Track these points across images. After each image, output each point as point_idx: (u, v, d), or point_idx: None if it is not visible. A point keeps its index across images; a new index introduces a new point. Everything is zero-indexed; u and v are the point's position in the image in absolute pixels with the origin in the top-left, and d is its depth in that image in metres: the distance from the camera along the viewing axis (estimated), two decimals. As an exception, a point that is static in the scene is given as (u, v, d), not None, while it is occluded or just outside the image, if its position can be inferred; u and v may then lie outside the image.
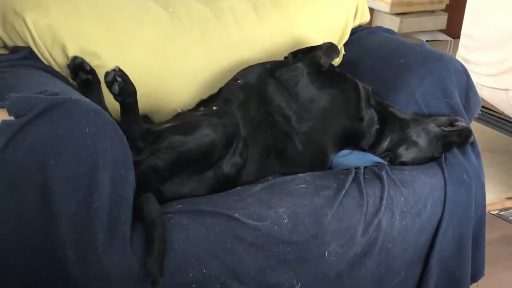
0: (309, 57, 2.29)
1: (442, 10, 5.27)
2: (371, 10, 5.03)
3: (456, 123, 2.24)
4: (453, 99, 2.30)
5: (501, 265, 2.84)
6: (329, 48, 2.34)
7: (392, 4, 4.97)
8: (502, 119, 3.61)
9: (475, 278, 2.30)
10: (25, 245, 1.63)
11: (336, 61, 2.51)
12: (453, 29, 4.92)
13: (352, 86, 2.25)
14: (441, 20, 5.25)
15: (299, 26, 2.49)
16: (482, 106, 3.17)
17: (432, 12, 5.23)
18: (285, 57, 2.40)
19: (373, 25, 5.07)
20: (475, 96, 2.38)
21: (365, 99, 2.24)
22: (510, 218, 3.22)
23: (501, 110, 3.54)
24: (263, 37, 2.42)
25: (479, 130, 3.58)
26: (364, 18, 2.70)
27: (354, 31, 2.66)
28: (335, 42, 2.47)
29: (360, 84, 2.27)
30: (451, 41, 5.06)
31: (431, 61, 2.34)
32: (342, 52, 2.58)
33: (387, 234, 2.04)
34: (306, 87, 2.21)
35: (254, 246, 1.83)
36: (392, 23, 5.04)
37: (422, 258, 2.17)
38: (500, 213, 3.25)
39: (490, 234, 2.75)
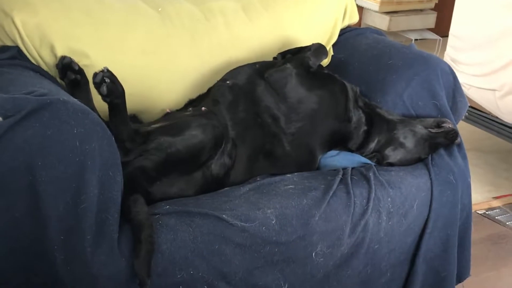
0: (298, 58, 2.30)
1: (431, 9, 5.30)
2: (361, 9, 5.05)
3: (443, 125, 2.25)
4: (440, 101, 2.32)
5: (487, 265, 2.86)
6: (318, 49, 2.35)
7: (382, 3, 4.99)
8: (490, 119, 3.63)
9: (460, 278, 2.31)
10: (14, 246, 1.63)
11: (325, 62, 2.52)
12: (442, 28, 4.95)
13: (340, 87, 2.26)
14: (430, 19, 5.28)
15: (288, 26, 2.49)
16: (470, 106, 3.20)
17: (421, 11, 5.26)
18: (274, 58, 2.40)
19: (362, 23, 5.10)
20: (462, 97, 2.40)
21: (353, 100, 2.25)
22: (497, 217, 3.24)
23: (489, 110, 3.56)
24: (253, 38, 2.42)
25: (466, 130, 3.62)
26: (352, 18, 2.71)
27: (343, 32, 2.67)
28: (323, 43, 2.48)
29: (348, 85, 2.28)
30: (439, 39, 5.08)
31: (418, 62, 2.35)
32: (331, 53, 2.59)
33: (373, 234, 2.06)
34: (294, 88, 2.21)
35: (241, 247, 1.84)
36: (381, 22, 5.06)
37: (409, 258, 2.18)
38: (487, 212, 3.28)
39: (476, 234, 2.77)
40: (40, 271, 1.64)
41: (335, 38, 2.62)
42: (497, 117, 3.54)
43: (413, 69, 2.33)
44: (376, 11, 5.05)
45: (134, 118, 2.14)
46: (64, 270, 1.63)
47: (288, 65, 2.24)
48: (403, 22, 5.13)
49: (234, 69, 2.28)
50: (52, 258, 1.62)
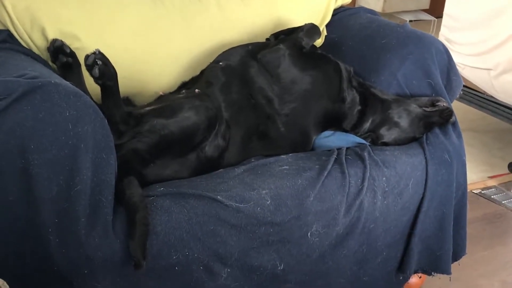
0: (291, 38, 2.28)
1: (426, -10, 5.28)
2: (354, -10, 5.03)
3: (437, 103, 2.25)
4: (435, 80, 2.30)
5: (483, 244, 2.87)
6: (311, 29, 2.33)
7: (376, -16, 4.97)
8: (485, 98, 3.63)
9: (456, 256, 2.32)
10: (8, 230, 1.63)
11: (318, 42, 2.50)
12: (437, 9, 4.93)
13: (334, 67, 2.25)
14: (425, 0, 5.26)
15: (281, 7, 2.48)
16: (465, 86, 3.19)
17: (415, -9, 5.24)
18: (267, 39, 2.39)
19: (357, 5, 5.08)
20: (456, 76, 2.39)
21: (347, 80, 2.24)
22: (492, 197, 3.25)
23: (483, 89, 3.56)
24: (245, 19, 2.41)
25: (461, 110, 3.61)
26: (346, -2, 2.69)
27: (336, 12, 2.66)
28: (317, 23, 2.46)
29: (342, 65, 2.27)
30: (434, 20, 5.07)
31: (412, 41, 2.33)
32: (324, 33, 2.57)
33: (369, 214, 2.06)
34: (288, 69, 2.20)
35: (236, 228, 1.83)
36: (376, 3, 5.04)
37: (404, 237, 2.18)
38: (482, 192, 3.28)
39: (472, 213, 2.78)
40: (34, 254, 1.64)
41: (328, 18, 2.61)
42: (492, 97, 3.54)
43: (407, 48, 2.32)
44: (370, -8, 5.04)
45: (127, 100, 2.13)
46: (59, 253, 1.63)
47: (281, 46, 2.23)
48: (397, 3, 5.11)
49: (227, 50, 2.27)
50: (47, 241, 1.62)
